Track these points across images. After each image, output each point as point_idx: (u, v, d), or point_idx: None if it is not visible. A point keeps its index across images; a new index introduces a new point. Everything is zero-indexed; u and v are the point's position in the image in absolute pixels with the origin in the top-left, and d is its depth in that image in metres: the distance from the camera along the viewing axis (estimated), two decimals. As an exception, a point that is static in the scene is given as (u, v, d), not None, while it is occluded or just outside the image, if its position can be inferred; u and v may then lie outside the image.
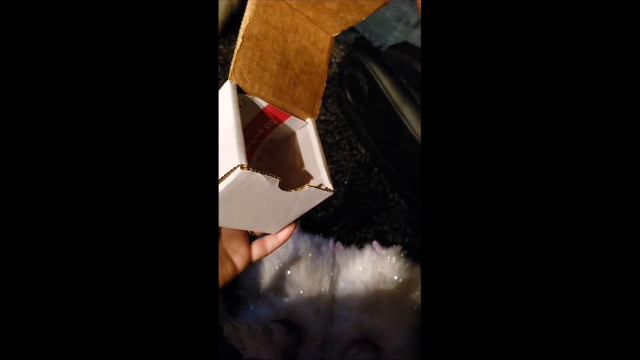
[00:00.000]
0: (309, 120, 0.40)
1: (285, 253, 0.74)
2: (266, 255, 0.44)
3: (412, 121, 0.78)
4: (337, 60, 1.10)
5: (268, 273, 0.73)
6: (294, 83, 0.37)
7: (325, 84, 0.40)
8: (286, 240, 0.44)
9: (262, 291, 0.72)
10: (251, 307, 0.71)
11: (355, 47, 0.88)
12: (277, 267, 0.73)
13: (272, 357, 0.57)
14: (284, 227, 0.42)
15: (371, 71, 0.83)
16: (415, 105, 0.78)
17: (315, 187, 0.35)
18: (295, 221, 0.42)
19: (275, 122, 0.40)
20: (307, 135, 0.41)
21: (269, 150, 0.44)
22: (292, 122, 0.40)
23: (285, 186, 0.34)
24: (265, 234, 0.44)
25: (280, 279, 0.73)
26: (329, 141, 0.99)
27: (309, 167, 0.39)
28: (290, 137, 0.43)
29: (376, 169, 0.96)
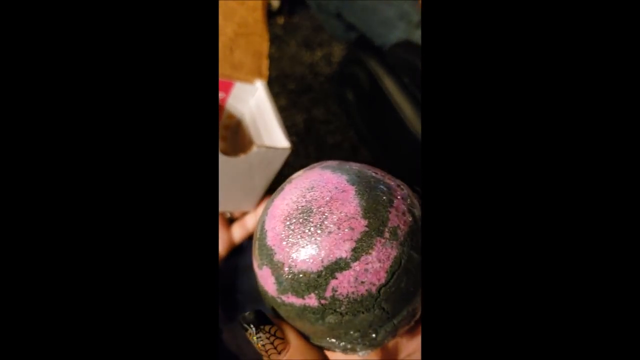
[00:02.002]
0: (259, 84, 0.39)
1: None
2: (249, 234, 0.42)
3: (414, 121, 0.77)
4: (338, 59, 1.09)
5: (267, 276, 0.72)
6: (230, 48, 0.36)
7: (268, 42, 0.38)
8: None
9: (260, 296, 0.71)
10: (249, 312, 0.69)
11: (356, 45, 0.87)
12: (276, 270, 0.72)
13: (270, 363, 0.56)
14: (258, 200, 0.40)
15: (372, 70, 0.82)
16: (417, 104, 0.77)
17: (265, 147, 0.33)
18: (272, 193, 0.41)
19: (223, 94, 0.39)
20: (259, 101, 0.39)
21: (231, 128, 0.42)
22: (241, 90, 0.39)
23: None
24: (244, 215, 0.43)
25: (280, 283, 0.72)
26: (330, 141, 0.98)
27: (267, 133, 0.38)
28: (246, 107, 0.41)
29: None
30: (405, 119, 0.78)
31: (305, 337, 0.24)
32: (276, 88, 1.02)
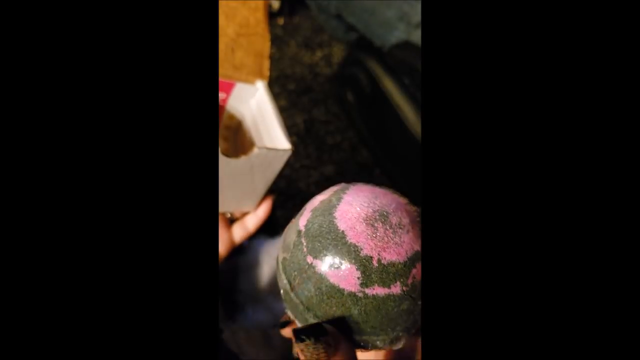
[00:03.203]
0: (260, 85, 0.39)
1: (284, 256, 0.73)
2: (249, 235, 0.43)
3: (414, 121, 0.77)
4: (338, 60, 1.09)
5: (267, 277, 0.73)
6: (232, 48, 0.36)
7: (270, 43, 0.38)
8: (266, 216, 0.42)
9: (260, 295, 0.72)
10: (250, 312, 0.70)
11: (356, 46, 0.87)
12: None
13: (271, 362, 0.56)
14: (258, 201, 0.41)
15: (372, 71, 0.83)
16: (417, 105, 0.77)
17: (266, 149, 0.34)
18: (272, 193, 0.41)
19: (224, 94, 0.39)
20: (260, 102, 0.40)
21: (231, 129, 0.43)
22: (242, 91, 0.39)
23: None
24: (245, 215, 0.43)
25: (280, 283, 0.72)
26: (330, 142, 0.98)
27: (267, 134, 0.39)
28: (247, 107, 0.42)
29: (377, 170, 0.95)
30: (404, 119, 0.78)
31: (356, 332, 0.27)
32: (276, 88, 1.03)
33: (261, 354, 0.56)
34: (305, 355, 0.25)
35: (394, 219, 0.27)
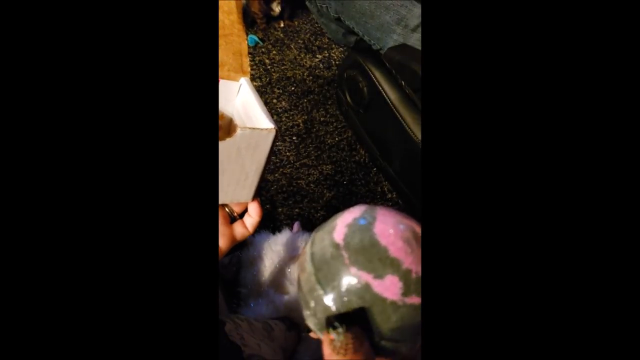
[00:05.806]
0: (242, 80, 0.40)
1: (285, 251, 0.75)
2: (249, 234, 0.44)
3: (410, 122, 0.78)
4: (337, 62, 1.11)
5: (268, 271, 0.74)
6: None
7: (247, 43, 0.39)
8: (260, 215, 0.43)
9: (262, 288, 0.73)
10: (252, 304, 0.71)
11: (354, 49, 0.89)
12: (277, 265, 0.74)
13: (272, 353, 0.57)
14: (253, 190, 0.40)
15: (370, 73, 0.84)
16: (414, 106, 0.79)
17: (250, 129, 0.34)
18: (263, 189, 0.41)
19: None
20: (244, 96, 0.41)
21: (223, 128, 0.44)
22: (226, 88, 0.40)
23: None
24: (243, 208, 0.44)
25: (280, 277, 0.74)
26: (328, 142, 1.00)
27: (251, 118, 0.39)
28: (234, 106, 0.42)
29: (375, 169, 0.97)
30: (401, 120, 0.79)
31: (387, 339, 0.29)
32: (277, 90, 1.04)
33: (263, 345, 0.57)
34: (334, 346, 0.26)
35: (420, 241, 0.30)
